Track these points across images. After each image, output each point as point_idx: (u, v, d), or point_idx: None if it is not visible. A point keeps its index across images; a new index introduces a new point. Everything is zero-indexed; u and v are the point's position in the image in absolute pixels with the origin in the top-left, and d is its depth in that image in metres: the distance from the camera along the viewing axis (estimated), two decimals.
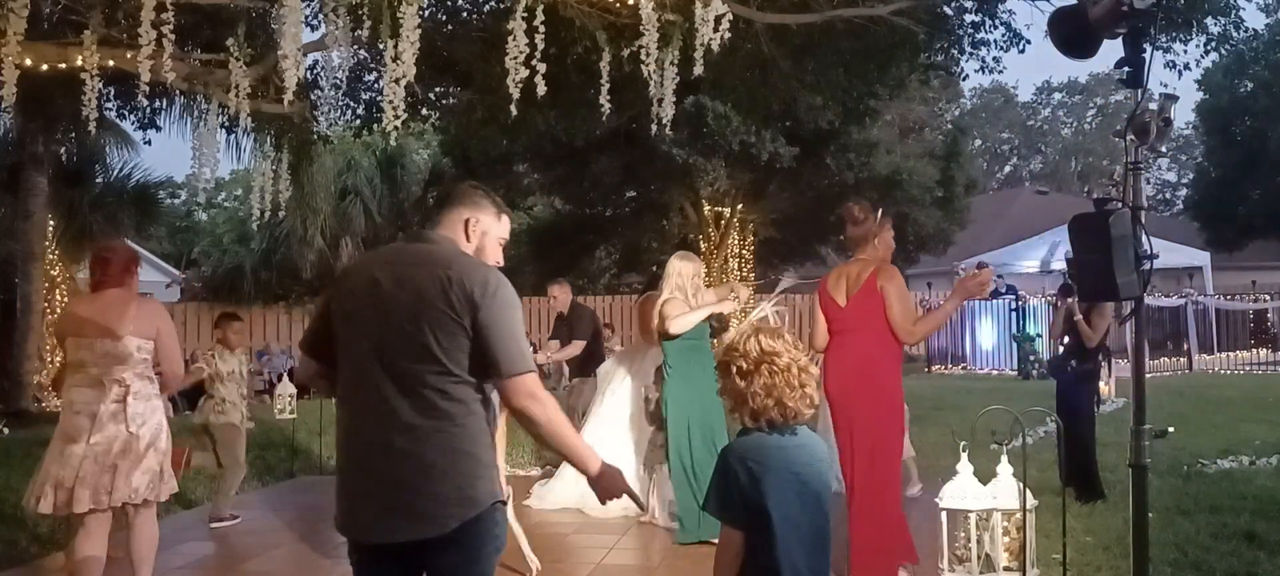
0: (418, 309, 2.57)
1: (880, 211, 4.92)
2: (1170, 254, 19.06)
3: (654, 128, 7.36)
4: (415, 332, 2.56)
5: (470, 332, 2.56)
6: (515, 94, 6.13)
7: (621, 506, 4.28)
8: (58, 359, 14.31)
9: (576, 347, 8.38)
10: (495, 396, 2.70)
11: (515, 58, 6.03)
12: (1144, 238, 2.95)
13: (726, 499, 2.50)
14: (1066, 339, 6.98)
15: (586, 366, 8.55)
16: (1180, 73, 11.54)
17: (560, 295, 8.58)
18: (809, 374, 2.59)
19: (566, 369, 8.41)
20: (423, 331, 2.55)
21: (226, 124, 9.27)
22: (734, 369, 2.59)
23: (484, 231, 2.81)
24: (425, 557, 2.59)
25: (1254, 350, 20.00)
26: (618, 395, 7.04)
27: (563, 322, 8.64)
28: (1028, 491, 3.63)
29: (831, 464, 2.71)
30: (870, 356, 4.69)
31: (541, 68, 6.14)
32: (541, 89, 6.21)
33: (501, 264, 2.85)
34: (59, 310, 14.86)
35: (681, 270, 5.81)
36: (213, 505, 6.62)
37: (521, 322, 2.65)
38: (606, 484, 2.71)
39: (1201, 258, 21.66)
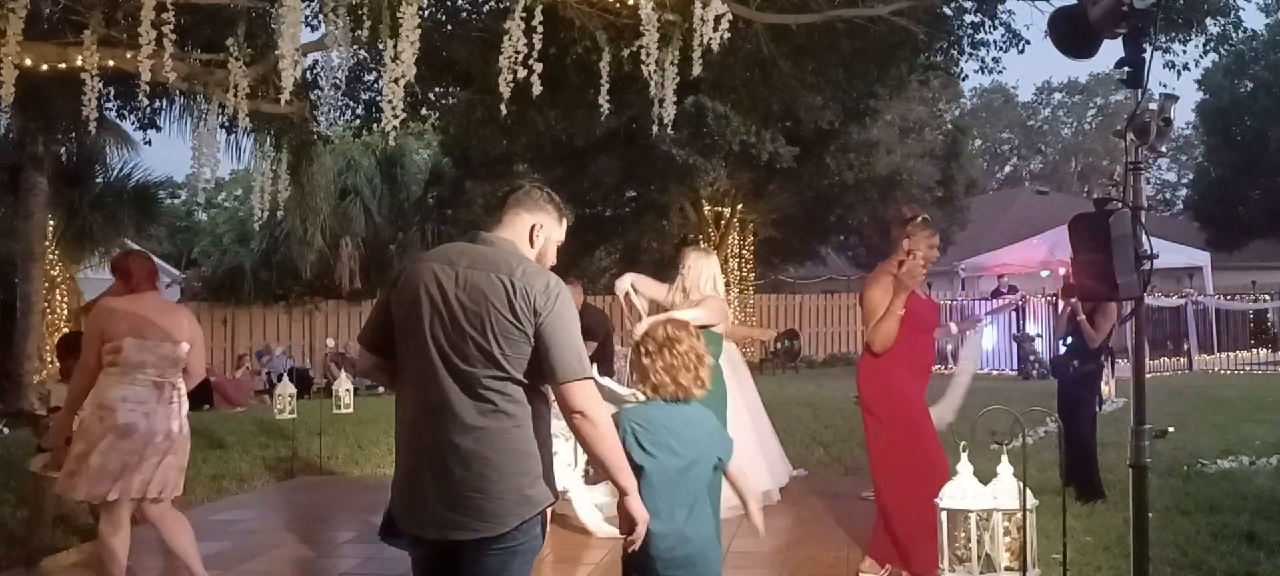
0: (482, 314, 2.59)
1: (920, 219, 4.79)
2: (1170, 254, 19.03)
3: (655, 128, 7.36)
4: (479, 338, 2.59)
5: (531, 339, 2.60)
6: (505, 93, 6.12)
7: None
8: (53, 356, 14.35)
9: (588, 348, 8.39)
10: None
11: (510, 57, 6.02)
12: (1144, 238, 2.94)
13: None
14: (1069, 338, 6.98)
15: (597, 367, 8.55)
16: (1180, 73, 11.53)
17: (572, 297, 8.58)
18: (704, 362, 3.10)
19: None
20: (487, 337, 2.59)
21: (226, 124, 9.25)
22: (642, 348, 3.13)
23: (547, 236, 2.84)
24: (475, 551, 2.64)
25: (1254, 350, 19.98)
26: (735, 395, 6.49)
27: None
28: (1028, 491, 3.63)
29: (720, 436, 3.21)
30: (875, 364, 4.72)
31: (539, 67, 6.13)
32: (538, 89, 6.20)
33: (554, 264, 2.90)
34: (61, 309, 14.88)
35: None
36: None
37: (578, 328, 2.70)
38: (633, 511, 2.75)
39: (1201, 257, 21.63)
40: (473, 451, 2.59)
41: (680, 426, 3.04)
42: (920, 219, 4.79)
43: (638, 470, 2.96)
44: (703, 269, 5.31)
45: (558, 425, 2.90)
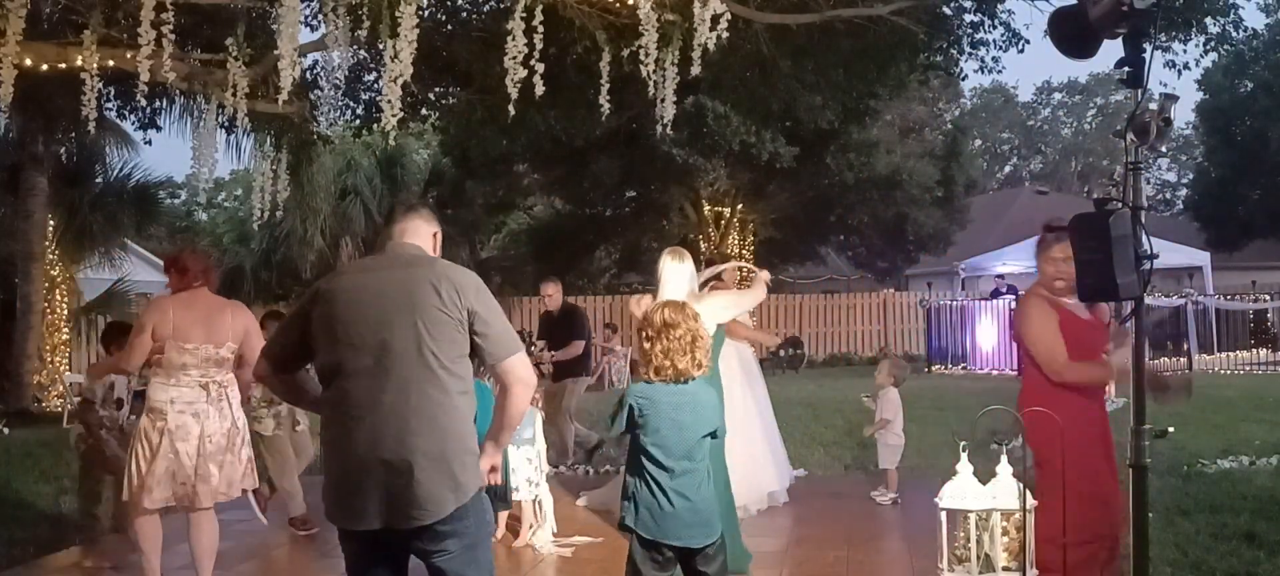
0: (416, 310, 2.80)
1: (1051, 233, 4.09)
2: (1170, 254, 19.01)
3: (659, 128, 7.36)
4: (414, 332, 2.79)
5: (465, 327, 2.83)
6: (514, 94, 6.12)
7: None
8: (53, 355, 14.37)
9: (577, 348, 8.39)
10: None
11: (514, 58, 6.03)
12: (1144, 238, 2.94)
13: (625, 420, 3.31)
14: None
15: (576, 367, 8.54)
16: (1180, 73, 11.59)
17: (554, 294, 8.61)
18: (702, 342, 3.31)
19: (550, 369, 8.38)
20: (422, 330, 2.79)
21: (226, 124, 9.26)
22: (643, 333, 3.36)
23: (439, 241, 3.13)
24: (425, 548, 2.81)
25: (1254, 350, 19.92)
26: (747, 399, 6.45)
27: (551, 321, 8.65)
28: (1028, 491, 3.63)
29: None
30: (1026, 393, 4.09)
31: (540, 68, 6.13)
32: (540, 89, 6.20)
33: None
34: (61, 309, 14.86)
35: None
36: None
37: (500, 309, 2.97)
38: (495, 465, 3.02)
39: (1201, 257, 21.62)
40: (413, 444, 2.74)
41: (682, 404, 3.30)
42: (1052, 233, 4.08)
43: (641, 445, 3.28)
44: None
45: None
